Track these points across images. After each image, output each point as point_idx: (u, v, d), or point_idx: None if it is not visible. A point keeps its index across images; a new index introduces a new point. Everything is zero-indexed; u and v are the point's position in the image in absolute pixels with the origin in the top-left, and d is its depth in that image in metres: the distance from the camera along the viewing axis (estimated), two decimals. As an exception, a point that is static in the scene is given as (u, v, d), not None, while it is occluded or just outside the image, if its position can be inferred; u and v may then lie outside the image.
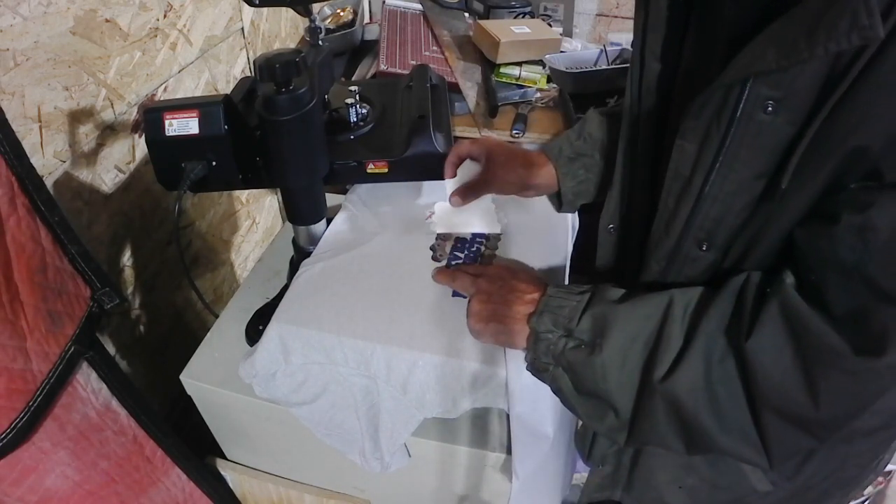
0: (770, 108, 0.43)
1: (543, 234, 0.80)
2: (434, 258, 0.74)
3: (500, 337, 0.60)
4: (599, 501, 0.76)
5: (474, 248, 0.76)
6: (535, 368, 0.58)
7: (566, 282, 0.77)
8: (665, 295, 0.53)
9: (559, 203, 0.79)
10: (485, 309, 0.61)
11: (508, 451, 0.69)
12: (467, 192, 0.76)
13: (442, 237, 0.77)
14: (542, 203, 0.86)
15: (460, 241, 0.77)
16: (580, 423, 0.72)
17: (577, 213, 0.89)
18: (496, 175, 0.76)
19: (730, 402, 0.48)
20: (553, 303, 0.57)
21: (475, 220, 0.80)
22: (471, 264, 0.70)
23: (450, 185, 0.77)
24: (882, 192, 0.40)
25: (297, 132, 0.63)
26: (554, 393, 0.58)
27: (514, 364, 0.61)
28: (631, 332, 0.52)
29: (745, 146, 0.45)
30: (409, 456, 0.73)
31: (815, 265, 0.45)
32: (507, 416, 0.65)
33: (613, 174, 0.67)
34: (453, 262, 0.73)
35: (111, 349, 0.90)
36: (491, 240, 0.77)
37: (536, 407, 0.63)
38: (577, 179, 0.76)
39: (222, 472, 0.90)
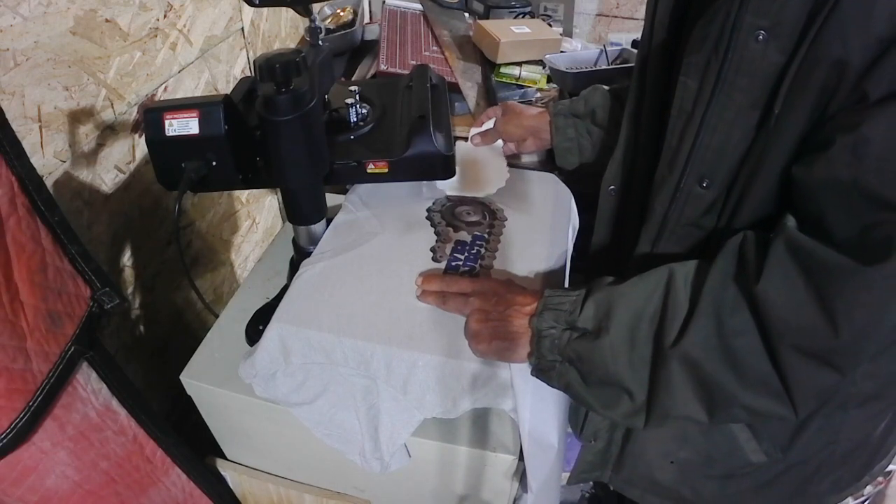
0: (761, 37, 0.46)
1: (543, 234, 0.80)
2: (434, 259, 0.74)
3: (504, 353, 0.60)
4: (590, 497, 0.77)
5: (474, 251, 0.76)
6: (541, 369, 0.58)
7: (566, 283, 0.77)
8: (664, 269, 0.54)
9: (553, 157, 0.89)
10: (485, 328, 0.61)
11: (509, 451, 0.69)
12: (482, 137, 0.94)
13: (442, 238, 0.77)
14: (543, 203, 0.86)
15: (460, 244, 0.77)
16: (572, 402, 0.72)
17: (576, 213, 0.89)
18: (503, 124, 0.92)
19: (747, 353, 0.48)
20: (552, 301, 0.58)
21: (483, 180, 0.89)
22: (460, 278, 0.69)
23: (474, 131, 0.97)
24: (870, 109, 0.42)
25: (297, 132, 0.63)
26: (562, 390, 0.58)
27: (521, 379, 0.61)
28: (635, 309, 0.53)
29: (741, 74, 0.49)
30: (409, 456, 0.73)
31: (815, 195, 0.46)
32: (511, 418, 0.65)
33: (611, 142, 0.71)
34: (453, 264, 0.73)
35: (111, 349, 0.90)
36: (491, 242, 0.77)
37: (544, 418, 0.63)
38: (567, 137, 0.86)
39: (222, 472, 0.90)
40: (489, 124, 0.95)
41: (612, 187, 0.72)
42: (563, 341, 0.56)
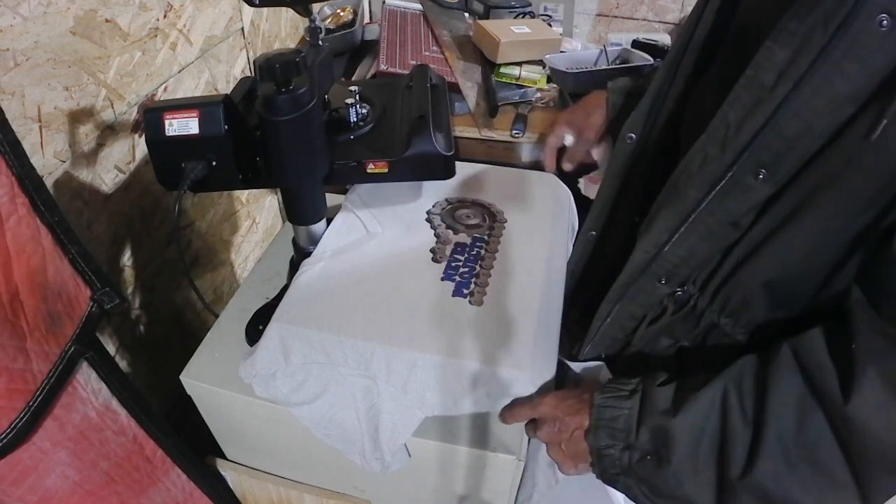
0: (885, 23, 0.39)
1: (543, 235, 0.80)
2: (434, 260, 0.74)
3: (591, 469, 0.60)
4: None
5: (474, 252, 0.76)
6: (606, 480, 0.58)
7: (564, 282, 0.77)
8: (717, 386, 0.50)
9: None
10: (561, 455, 0.62)
11: (509, 451, 0.69)
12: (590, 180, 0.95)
13: (442, 240, 0.77)
14: (543, 204, 0.86)
15: (460, 245, 0.77)
16: None
17: (575, 212, 0.89)
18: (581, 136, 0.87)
19: (821, 475, 0.45)
20: (605, 415, 0.56)
21: None
22: (521, 407, 0.64)
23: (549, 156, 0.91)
24: None
25: (297, 132, 0.63)
26: (630, 498, 0.57)
27: None
28: (693, 438, 0.50)
29: (850, 58, 0.40)
30: (409, 455, 0.73)
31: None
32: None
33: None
34: (453, 265, 0.73)
35: (111, 349, 0.90)
36: (490, 243, 0.77)
37: None
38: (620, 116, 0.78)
39: (222, 472, 0.90)
40: (568, 139, 0.89)
41: (631, 134, 0.67)
42: (623, 462, 0.55)
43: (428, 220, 0.81)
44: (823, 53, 0.41)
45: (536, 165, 1.07)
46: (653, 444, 0.52)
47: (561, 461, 0.61)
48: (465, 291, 0.70)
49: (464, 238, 0.78)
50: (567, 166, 0.89)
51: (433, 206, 0.84)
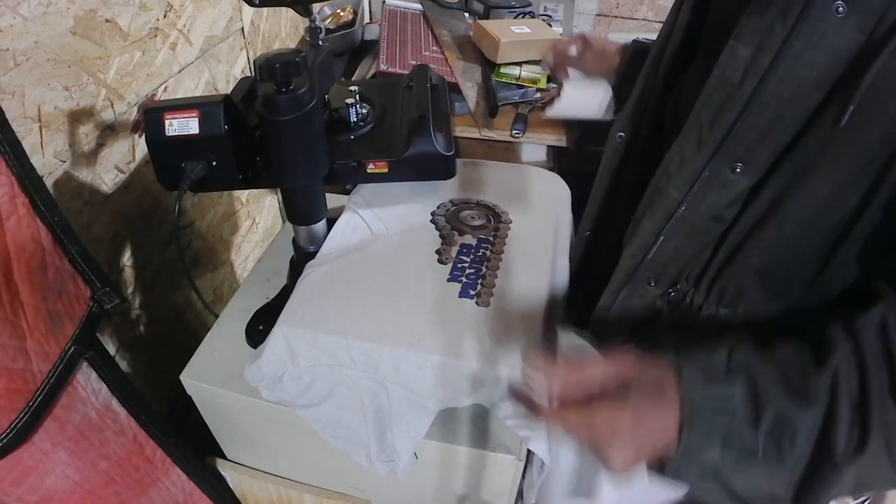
0: (840, 9, 0.40)
1: (547, 235, 0.80)
2: (440, 261, 0.74)
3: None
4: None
5: (480, 253, 0.76)
6: (677, 477, 0.46)
7: (567, 282, 0.77)
8: (827, 373, 0.43)
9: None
10: (624, 446, 0.45)
11: (509, 451, 0.69)
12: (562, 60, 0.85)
13: (447, 242, 0.78)
14: (546, 204, 0.86)
15: (465, 247, 0.77)
16: None
17: (570, 211, 0.89)
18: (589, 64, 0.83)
19: None
20: (706, 405, 0.43)
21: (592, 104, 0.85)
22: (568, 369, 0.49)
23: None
24: None
25: (297, 132, 0.63)
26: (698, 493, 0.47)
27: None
28: (810, 430, 0.42)
29: (811, 46, 0.42)
30: (417, 458, 0.73)
31: None
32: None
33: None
34: (458, 266, 0.73)
35: (111, 349, 0.90)
36: (496, 244, 0.77)
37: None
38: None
39: (222, 472, 0.90)
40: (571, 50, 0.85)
41: (620, 133, 0.67)
42: (725, 469, 0.44)
43: (433, 221, 0.82)
44: (785, 46, 0.42)
45: (536, 165, 1.07)
46: (771, 438, 0.43)
47: (619, 457, 0.44)
48: (472, 292, 0.70)
49: (469, 239, 0.78)
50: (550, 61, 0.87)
51: (437, 208, 0.84)
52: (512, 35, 1.33)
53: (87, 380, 0.66)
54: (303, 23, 1.41)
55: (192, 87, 1.02)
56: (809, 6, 0.41)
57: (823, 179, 0.44)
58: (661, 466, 0.45)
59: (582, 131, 1.27)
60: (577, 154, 1.34)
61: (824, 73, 0.42)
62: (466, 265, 0.74)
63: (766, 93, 0.44)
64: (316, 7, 0.68)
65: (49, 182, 0.74)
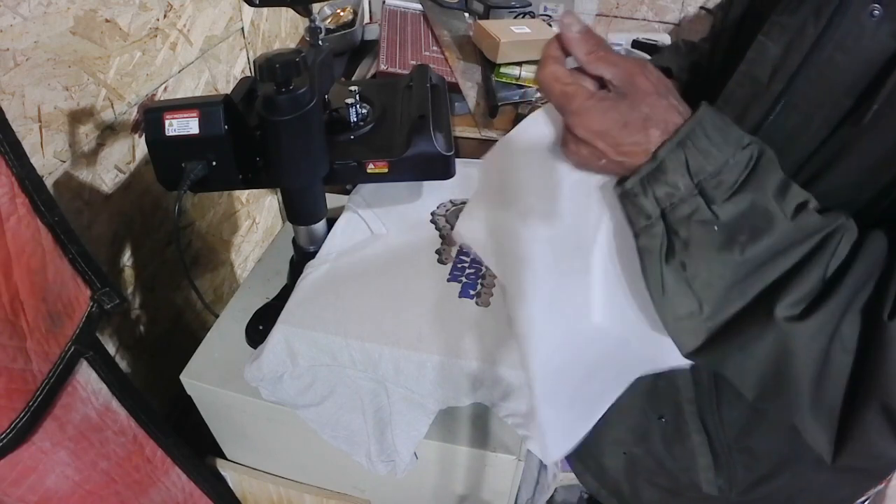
0: (875, 13, 0.38)
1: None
2: (440, 261, 0.74)
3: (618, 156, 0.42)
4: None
5: None
6: (629, 200, 0.42)
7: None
8: (834, 219, 0.40)
9: None
10: (609, 120, 0.41)
11: (509, 451, 0.69)
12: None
13: (447, 242, 0.78)
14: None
15: (465, 247, 0.77)
16: None
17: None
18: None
19: (837, 376, 0.39)
20: (700, 143, 0.40)
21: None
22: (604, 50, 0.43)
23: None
24: None
25: (297, 132, 0.63)
26: (636, 240, 0.43)
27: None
28: (777, 247, 0.40)
29: (842, 50, 0.40)
30: (417, 458, 0.73)
31: None
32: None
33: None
34: (458, 266, 0.73)
35: (111, 349, 0.90)
36: None
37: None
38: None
39: (222, 472, 0.90)
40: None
41: None
42: (682, 210, 0.40)
43: (432, 221, 0.81)
44: (816, 47, 0.41)
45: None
46: (733, 223, 0.40)
47: (601, 126, 0.40)
48: (472, 292, 0.70)
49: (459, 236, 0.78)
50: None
51: (437, 208, 0.84)
52: (512, 35, 1.33)
53: (87, 380, 0.66)
54: (303, 23, 1.41)
55: (192, 87, 1.02)
56: (843, 7, 0.40)
57: (839, 176, 0.43)
58: (619, 180, 0.42)
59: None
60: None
61: (855, 79, 0.40)
62: (466, 265, 0.74)
63: (797, 94, 0.43)
64: (316, 7, 0.68)
65: (49, 182, 0.74)
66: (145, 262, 0.97)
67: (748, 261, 0.40)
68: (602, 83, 0.42)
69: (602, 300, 0.47)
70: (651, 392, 0.61)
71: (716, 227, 0.40)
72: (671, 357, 0.46)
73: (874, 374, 0.38)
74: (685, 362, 0.46)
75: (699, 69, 0.66)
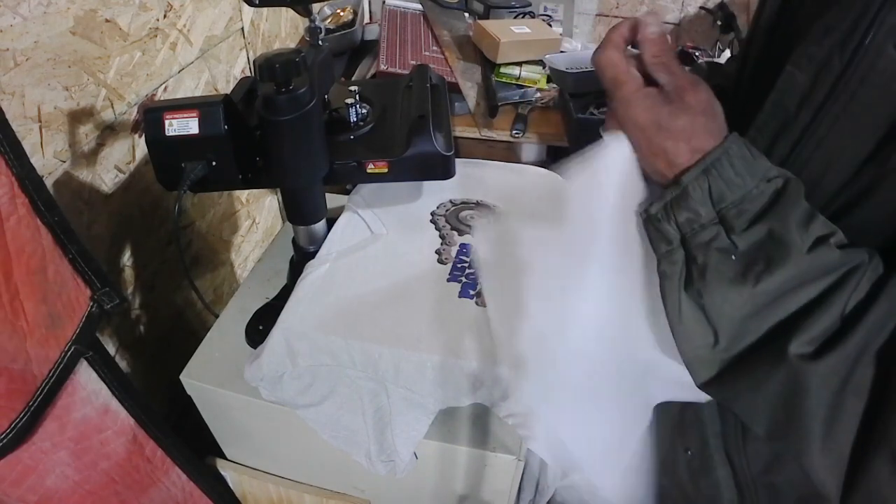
0: None
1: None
2: (440, 261, 0.74)
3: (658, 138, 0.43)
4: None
5: None
6: (652, 225, 0.44)
7: None
8: (856, 255, 0.40)
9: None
10: (644, 118, 0.44)
11: (509, 451, 0.69)
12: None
13: (447, 242, 0.78)
14: (545, 202, 0.86)
15: (465, 247, 0.77)
16: None
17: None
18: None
19: (848, 420, 0.39)
20: (725, 172, 0.41)
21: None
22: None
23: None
24: None
25: (297, 132, 0.63)
26: (657, 266, 0.45)
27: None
28: (792, 280, 0.39)
29: (867, 85, 0.38)
30: (417, 458, 0.73)
31: None
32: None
33: None
34: (458, 266, 0.74)
35: (111, 349, 0.90)
36: None
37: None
38: None
39: (222, 472, 0.90)
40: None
41: None
42: (701, 236, 0.41)
43: (432, 221, 0.82)
44: (841, 80, 0.40)
45: (536, 165, 1.07)
46: (750, 253, 0.40)
47: (640, 119, 0.43)
48: (472, 292, 0.70)
49: (469, 239, 0.78)
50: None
51: (437, 208, 0.84)
52: (512, 35, 1.33)
53: (87, 380, 0.66)
54: (303, 23, 1.41)
55: (192, 87, 1.02)
56: (870, 41, 0.38)
57: (863, 218, 0.42)
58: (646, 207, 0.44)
59: (580, 130, 1.27)
60: (577, 154, 1.34)
61: (883, 115, 0.39)
62: (466, 265, 0.74)
63: (823, 126, 0.42)
64: (316, 7, 0.68)
65: (49, 182, 0.74)
66: (145, 262, 0.97)
67: (763, 292, 0.40)
68: (654, 83, 0.44)
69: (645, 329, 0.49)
70: (678, 425, 0.62)
71: (733, 257, 0.41)
72: (687, 388, 0.47)
73: (886, 421, 0.38)
74: (703, 396, 0.47)
75: (723, 93, 0.66)
